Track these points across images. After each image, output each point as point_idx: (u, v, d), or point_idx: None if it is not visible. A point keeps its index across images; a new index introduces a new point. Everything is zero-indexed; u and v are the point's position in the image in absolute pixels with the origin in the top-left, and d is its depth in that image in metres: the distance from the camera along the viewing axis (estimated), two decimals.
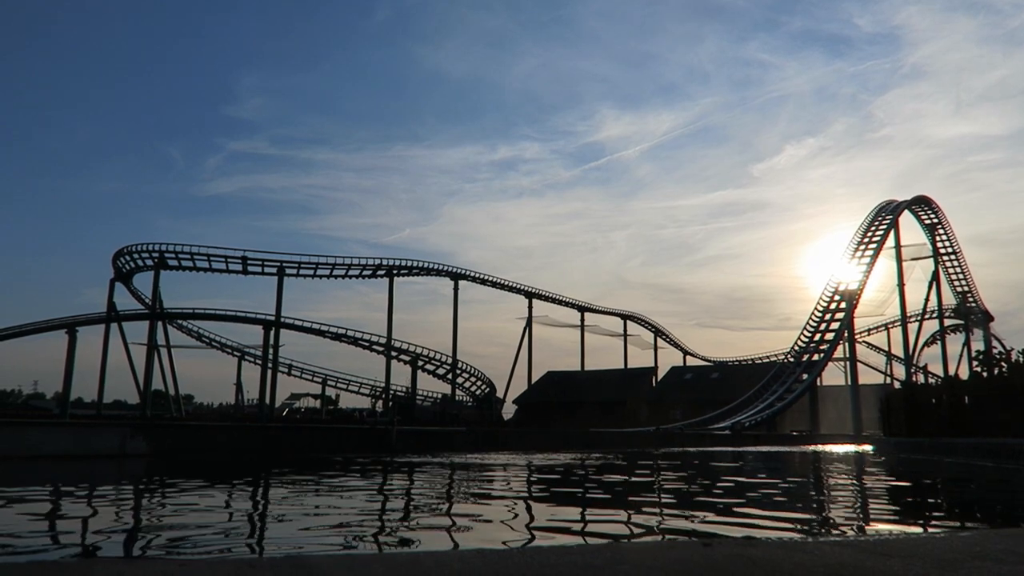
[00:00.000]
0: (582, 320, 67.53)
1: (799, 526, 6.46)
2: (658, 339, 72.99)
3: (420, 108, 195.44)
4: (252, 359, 54.29)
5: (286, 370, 52.00)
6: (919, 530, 6.42)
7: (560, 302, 65.21)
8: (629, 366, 69.21)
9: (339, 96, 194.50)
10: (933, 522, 7.12)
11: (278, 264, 47.68)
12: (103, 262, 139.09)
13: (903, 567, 2.85)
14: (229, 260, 46.96)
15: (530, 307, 62.53)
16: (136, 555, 4.99)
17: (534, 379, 65.13)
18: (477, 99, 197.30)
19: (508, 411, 61.36)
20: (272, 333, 47.17)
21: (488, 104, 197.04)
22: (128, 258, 47.38)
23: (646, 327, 72.54)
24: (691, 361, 74.65)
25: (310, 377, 54.08)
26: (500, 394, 58.50)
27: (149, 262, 47.23)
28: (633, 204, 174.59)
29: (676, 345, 74.63)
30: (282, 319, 47.83)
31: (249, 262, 47.22)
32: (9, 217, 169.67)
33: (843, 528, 6.37)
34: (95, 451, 17.05)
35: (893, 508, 8.63)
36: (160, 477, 12.27)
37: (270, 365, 47.10)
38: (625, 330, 70.50)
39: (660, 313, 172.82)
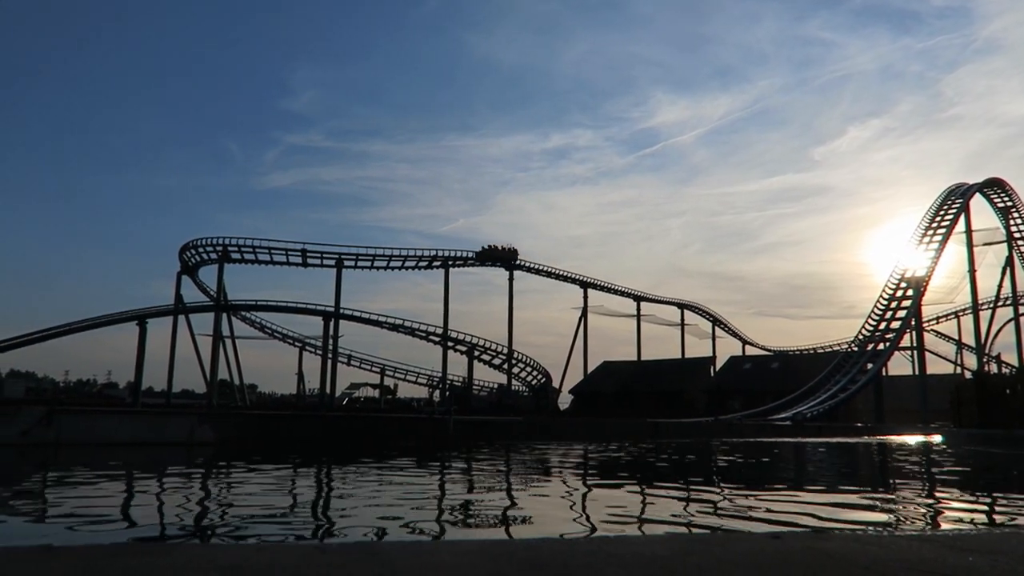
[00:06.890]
0: (638, 309, 66.96)
1: (868, 519, 6.30)
2: (716, 328, 71.93)
3: (471, 97, 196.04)
4: (313, 349, 55.48)
5: (345, 360, 53.03)
6: (997, 526, 6.19)
7: (615, 291, 64.77)
8: (687, 356, 68.38)
9: (390, 87, 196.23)
10: (1013, 517, 6.85)
11: (336, 256, 48.65)
12: (167, 255, 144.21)
13: (988, 563, 2.75)
14: (290, 253, 48.12)
15: (585, 296, 62.31)
16: (212, 540, 5.16)
17: (590, 369, 64.94)
18: (528, 87, 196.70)
19: (564, 401, 61.29)
20: (332, 324, 48.18)
21: (540, 92, 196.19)
22: (193, 251, 48.89)
23: (703, 316, 71.52)
24: (750, 351, 73.35)
25: (369, 367, 55.00)
26: (556, 384, 58.52)
27: (213, 255, 48.62)
28: (689, 190, 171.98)
29: (734, 334, 73.40)
30: (341, 310, 48.79)
31: (309, 255, 48.29)
32: (77, 212, 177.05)
33: (916, 521, 6.18)
34: (166, 439, 17.73)
35: (967, 502, 8.33)
36: (227, 464, 12.66)
37: (330, 355, 48.13)
38: (682, 319, 69.59)
39: (718, 302, 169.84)
